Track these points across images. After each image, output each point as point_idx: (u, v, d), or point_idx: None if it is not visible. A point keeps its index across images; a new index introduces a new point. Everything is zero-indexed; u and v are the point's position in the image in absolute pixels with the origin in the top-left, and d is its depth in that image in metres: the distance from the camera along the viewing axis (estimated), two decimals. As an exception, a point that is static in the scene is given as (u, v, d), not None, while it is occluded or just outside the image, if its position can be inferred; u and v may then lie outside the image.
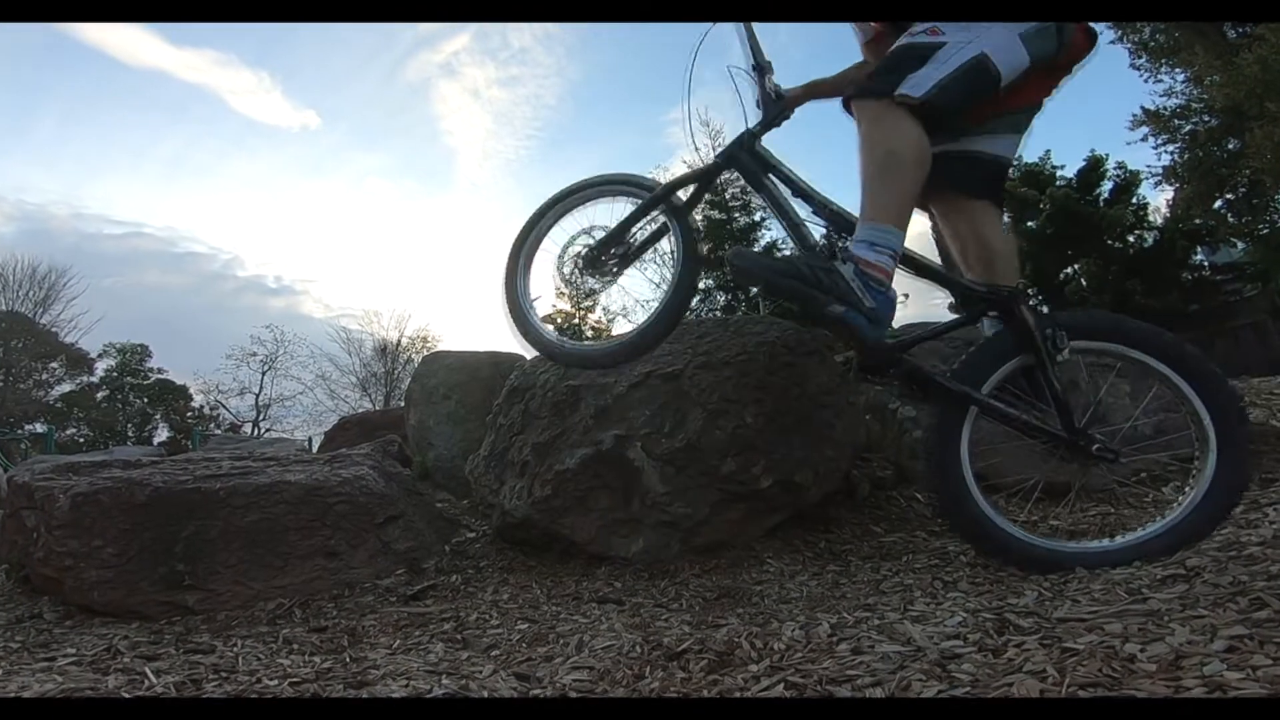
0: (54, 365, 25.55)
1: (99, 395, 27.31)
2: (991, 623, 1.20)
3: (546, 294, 2.03)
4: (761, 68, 1.92)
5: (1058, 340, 1.58)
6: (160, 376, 28.60)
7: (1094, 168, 16.40)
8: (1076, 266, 16.28)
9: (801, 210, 1.78)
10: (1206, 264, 16.84)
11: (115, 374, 27.88)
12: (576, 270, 2.02)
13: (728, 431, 2.16)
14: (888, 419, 2.86)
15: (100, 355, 27.35)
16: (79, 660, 1.54)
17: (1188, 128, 15.37)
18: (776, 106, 1.92)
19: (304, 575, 2.07)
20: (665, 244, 2.05)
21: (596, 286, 2.06)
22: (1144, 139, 16.01)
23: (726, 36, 1.97)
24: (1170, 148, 15.75)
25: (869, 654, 1.15)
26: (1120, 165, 16.43)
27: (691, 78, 1.96)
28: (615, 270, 2.02)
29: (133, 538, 1.98)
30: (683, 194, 1.99)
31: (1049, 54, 1.63)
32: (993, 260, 1.76)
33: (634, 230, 2.02)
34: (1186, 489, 1.56)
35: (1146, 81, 15.86)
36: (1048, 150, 17.48)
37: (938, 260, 1.82)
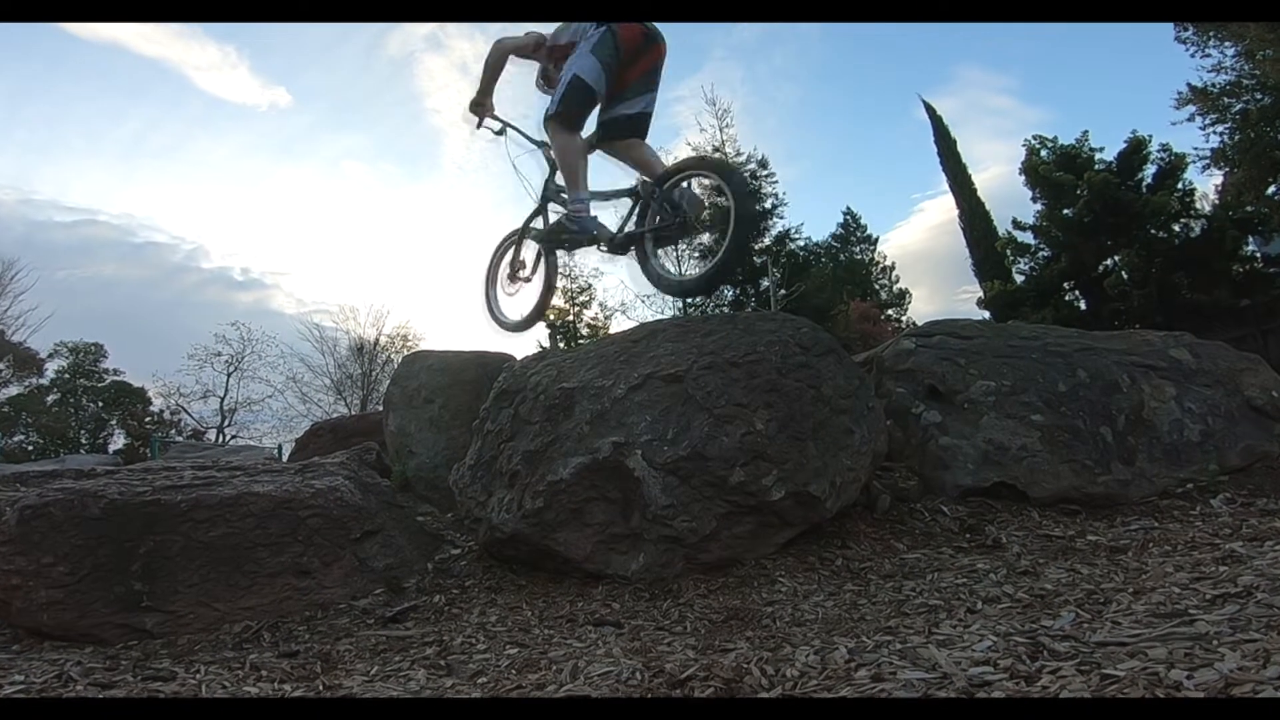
0: (0, 366, 25.57)
1: (49, 399, 27.30)
2: (1024, 647, 1.21)
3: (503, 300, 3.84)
4: (540, 144, 3.37)
5: (657, 191, 2.99)
6: (116, 378, 28.57)
7: (1136, 150, 16.39)
8: (1117, 258, 16.26)
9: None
10: (1259, 255, 16.82)
11: (67, 375, 27.86)
12: (507, 281, 3.64)
13: (736, 438, 2.16)
14: (910, 425, 2.86)
15: (51, 355, 27.35)
16: (27, 688, 1.54)
17: (1238, 106, 15.34)
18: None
19: (273, 595, 2.07)
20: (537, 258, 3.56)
21: (519, 288, 3.61)
22: (1190, 119, 15.98)
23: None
24: (1219, 128, 15.72)
25: (890, 681, 1.15)
26: (1164, 147, 16.41)
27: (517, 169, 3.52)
28: (525, 279, 3.56)
29: (86, 554, 1.98)
30: (538, 222, 3.43)
31: (611, 54, 2.91)
32: (649, 168, 3.12)
33: (522, 256, 3.58)
34: (724, 239, 2.86)
35: (1193, 56, 15.83)
36: (1085, 131, 17.46)
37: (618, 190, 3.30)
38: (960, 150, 20.18)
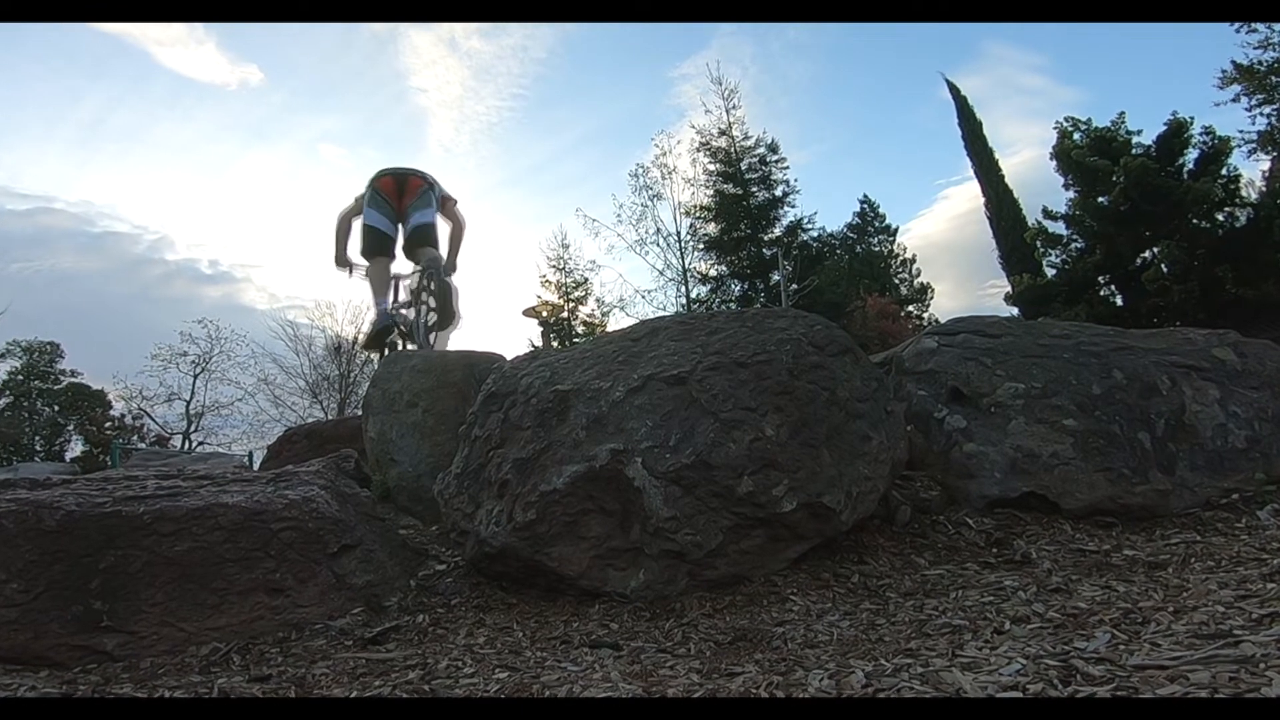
0: (-52, 367, 25.59)
1: (1, 403, 27.36)
2: (1055, 670, 1.21)
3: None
4: (398, 276, 5.03)
5: (422, 284, 4.61)
6: (73, 380, 28.62)
7: (1176, 133, 16.40)
8: (1155, 250, 16.28)
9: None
10: (1310, 247, 16.81)
11: (20, 377, 27.91)
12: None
13: (744, 445, 2.16)
14: (933, 430, 2.87)
15: (3, 355, 27.41)
16: (-22, 715, 1.54)
17: (1287, 86, 15.36)
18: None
19: (243, 614, 2.07)
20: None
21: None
22: (1235, 99, 16.03)
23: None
24: (1267, 109, 15.76)
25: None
26: (1207, 130, 16.42)
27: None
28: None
29: (41, 571, 1.98)
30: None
31: (379, 201, 4.64)
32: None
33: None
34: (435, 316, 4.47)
35: (1238, 31, 15.88)
36: (1121, 112, 17.49)
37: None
38: (987, 133, 20.30)
